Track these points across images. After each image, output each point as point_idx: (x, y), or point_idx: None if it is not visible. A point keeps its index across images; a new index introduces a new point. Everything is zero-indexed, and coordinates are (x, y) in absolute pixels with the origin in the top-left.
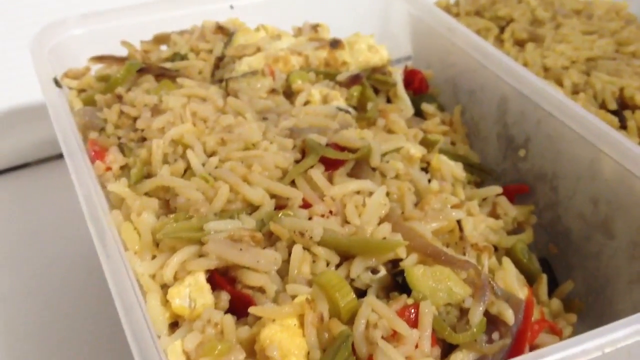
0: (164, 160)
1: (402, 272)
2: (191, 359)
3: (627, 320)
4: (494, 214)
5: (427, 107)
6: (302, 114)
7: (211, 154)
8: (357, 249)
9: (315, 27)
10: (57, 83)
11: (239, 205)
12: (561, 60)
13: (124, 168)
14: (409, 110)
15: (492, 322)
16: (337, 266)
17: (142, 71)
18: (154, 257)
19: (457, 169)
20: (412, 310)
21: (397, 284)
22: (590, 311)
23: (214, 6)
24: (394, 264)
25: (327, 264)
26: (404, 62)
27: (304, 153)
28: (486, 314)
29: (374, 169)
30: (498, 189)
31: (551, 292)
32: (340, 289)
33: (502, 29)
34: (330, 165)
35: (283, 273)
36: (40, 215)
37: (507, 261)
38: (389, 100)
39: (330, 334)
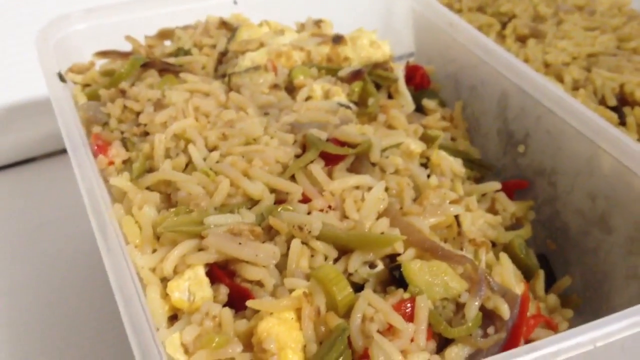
0: (166, 154)
1: (399, 266)
2: (189, 351)
3: (618, 314)
4: (492, 210)
5: (428, 102)
6: (304, 109)
7: (213, 149)
8: (355, 243)
9: (318, 23)
10: (62, 78)
11: (239, 200)
12: (562, 56)
13: (127, 162)
14: (410, 105)
15: (488, 316)
16: (336, 260)
17: (146, 66)
18: (154, 250)
19: (456, 165)
20: (409, 305)
21: (394, 278)
22: (587, 306)
23: (218, 1)
24: (392, 259)
25: (326, 258)
26: (406, 59)
27: (304, 148)
28: (482, 308)
29: (373, 164)
30: (497, 185)
31: (549, 288)
32: (337, 282)
33: (504, 25)
34: (331, 160)
35: (282, 267)
36: (45, 209)
37: (504, 256)
38: (390, 96)
39: (326, 328)
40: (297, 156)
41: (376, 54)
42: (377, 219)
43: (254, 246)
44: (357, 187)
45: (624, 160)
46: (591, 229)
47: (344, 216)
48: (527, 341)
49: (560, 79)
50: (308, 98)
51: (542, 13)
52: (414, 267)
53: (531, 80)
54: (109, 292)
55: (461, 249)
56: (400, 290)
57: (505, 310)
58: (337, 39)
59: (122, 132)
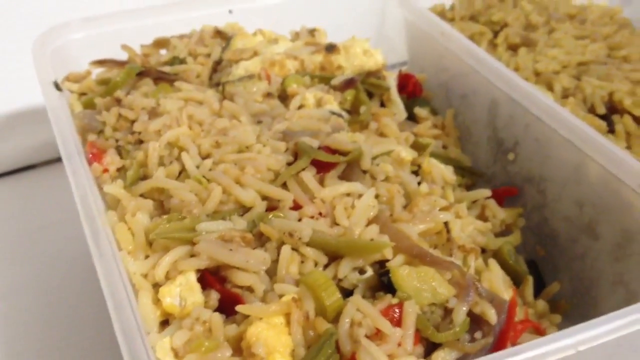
0: (159, 162)
1: (387, 272)
2: (179, 355)
3: (601, 319)
4: (482, 216)
5: (419, 110)
6: (296, 117)
7: (206, 156)
8: (344, 249)
9: (312, 32)
10: (57, 86)
11: (231, 207)
12: (552, 64)
13: (121, 170)
14: (402, 114)
15: (476, 321)
16: (326, 266)
17: (141, 75)
18: (147, 256)
19: (447, 172)
20: (397, 310)
21: (383, 284)
22: (576, 312)
23: (213, 10)
24: (382, 265)
25: (316, 264)
26: (400, 68)
27: (296, 156)
28: (470, 313)
29: (364, 172)
30: (487, 192)
31: (538, 293)
32: (326, 288)
33: (496, 34)
34: (322, 167)
35: (272, 273)
36: (44, 213)
37: (493, 263)
38: (382, 104)
39: (315, 332)
40: (289, 164)
41: (369, 62)
42: (367, 225)
43: (245, 252)
44: (348, 195)
45: (611, 168)
46: (579, 235)
47: (335, 223)
48: (515, 346)
49: (550, 87)
50: (301, 106)
51: (533, 22)
52: (402, 273)
53: (520, 89)
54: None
55: (450, 255)
56: (389, 296)
57: (492, 316)
58: (331, 48)
59: (116, 140)
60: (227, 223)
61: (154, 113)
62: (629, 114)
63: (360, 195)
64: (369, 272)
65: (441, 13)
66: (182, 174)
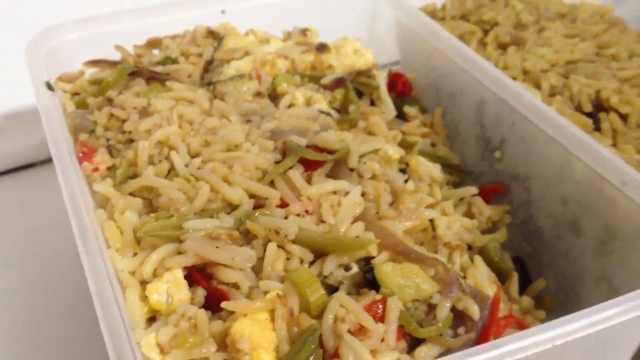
0: (149, 161)
1: (372, 269)
2: (164, 351)
3: (577, 314)
4: (469, 214)
5: (409, 109)
6: (285, 116)
7: (195, 155)
8: (330, 246)
9: (304, 32)
10: (50, 87)
11: (218, 205)
12: (541, 63)
13: (111, 169)
14: (391, 112)
15: (459, 317)
16: (311, 263)
17: (133, 75)
18: (135, 254)
19: (434, 170)
20: (380, 306)
21: (368, 280)
22: (561, 308)
23: (206, 11)
24: (367, 262)
25: (301, 261)
26: (393, 67)
27: (284, 154)
28: (453, 309)
29: (352, 170)
30: (474, 190)
31: (525, 290)
32: (310, 284)
33: (486, 33)
34: (310, 166)
35: (258, 270)
36: (43, 212)
37: (478, 259)
38: (372, 103)
39: (299, 328)
40: (277, 162)
41: (359, 62)
42: (353, 223)
43: (231, 250)
44: (335, 192)
45: (595, 166)
46: (563, 232)
47: (321, 220)
48: None
49: (538, 85)
50: (290, 105)
51: (524, 21)
52: (386, 270)
53: (507, 88)
54: None
55: (436, 252)
56: (373, 292)
57: (475, 311)
58: (321, 47)
59: (107, 140)
60: (214, 221)
61: (144, 112)
62: (616, 111)
63: (346, 193)
64: (354, 268)
65: (432, 12)
66: (171, 172)
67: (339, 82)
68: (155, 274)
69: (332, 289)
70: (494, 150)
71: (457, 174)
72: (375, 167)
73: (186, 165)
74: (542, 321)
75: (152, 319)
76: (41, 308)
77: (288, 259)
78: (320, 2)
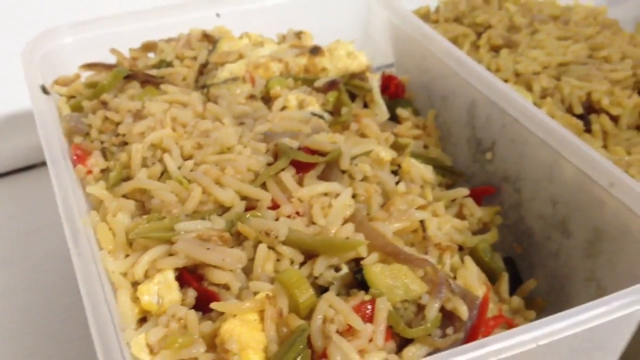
0: (142, 163)
1: (361, 269)
2: (154, 351)
3: (560, 314)
4: (460, 215)
5: (401, 111)
6: (277, 118)
7: (188, 158)
8: (320, 248)
9: (298, 34)
10: (45, 90)
11: (210, 207)
12: (533, 65)
13: (105, 171)
14: (384, 114)
15: (448, 317)
16: (302, 264)
17: (128, 78)
18: (127, 256)
19: (426, 172)
20: (369, 306)
21: (357, 281)
22: (551, 308)
23: (201, 14)
24: (357, 263)
25: (292, 262)
26: (387, 69)
27: (276, 156)
28: (442, 309)
29: (343, 172)
30: (465, 191)
31: (516, 290)
32: (300, 285)
33: (479, 35)
34: (301, 168)
35: (249, 271)
36: (43, 214)
37: (468, 260)
38: (366, 105)
39: (288, 329)
40: (270, 164)
41: (353, 64)
42: (343, 224)
43: (221, 251)
44: (326, 194)
45: (584, 168)
46: (553, 233)
47: (312, 222)
48: None
49: (529, 87)
50: (283, 108)
51: (517, 23)
52: (375, 270)
53: (497, 90)
54: None
55: (426, 253)
56: (362, 293)
57: (464, 312)
58: (315, 50)
59: (102, 142)
60: (205, 222)
61: (138, 115)
62: (607, 113)
63: (337, 195)
64: (344, 269)
65: (426, 15)
66: (164, 175)
67: (331, 85)
68: (147, 275)
69: (322, 290)
70: (485, 152)
71: (449, 176)
72: (366, 169)
73: (179, 168)
74: (532, 322)
75: (143, 320)
76: (39, 308)
77: (278, 260)
78: (315, 5)
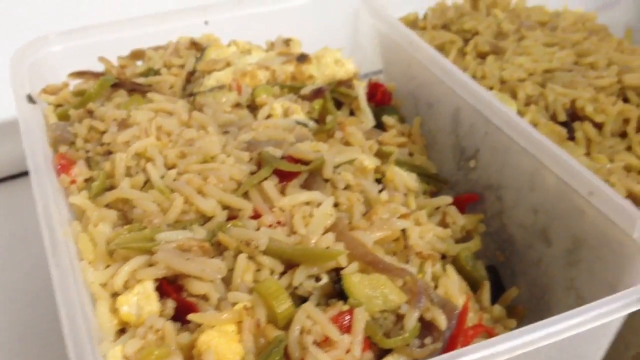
0: (126, 173)
1: (341, 279)
2: None
3: (535, 325)
4: (443, 223)
5: (387, 119)
6: (262, 127)
7: (172, 167)
8: (300, 257)
9: (287, 42)
10: (31, 99)
11: (192, 216)
12: (518, 72)
13: (89, 181)
14: (370, 122)
15: (427, 327)
16: (282, 274)
17: (116, 86)
18: (108, 266)
19: (410, 180)
20: (347, 317)
21: (337, 291)
22: (533, 317)
23: (190, 22)
24: (337, 272)
25: (272, 272)
26: (375, 76)
27: (260, 165)
28: (421, 319)
29: (326, 181)
30: (448, 199)
31: (498, 299)
32: (277, 296)
33: (467, 42)
34: (284, 177)
35: (230, 281)
36: (34, 221)
37: (450, 269)
38: (352, 113)
39: (266, 340)
40: (253, 173)
41: (340, 72)
42: (324, 233)
43: (201, 261)
44: (308, 203)
45: (564, 176)
46: (534, 241)
47: (293, 231)
48: None
49: (514, 95)
50: (269, 116)
51: (504, 30)
52: (354, 280)
53: (480, 98)
54: None
55: (407, 262)
56: (340, 303)
57: (442, 321)
58: (302, 58)
59: (87, 152)
60: (186, 232)
61: (124, 124)
62: (590, 120)
63: (319, 204)
64: (324, 279)
65: (414, 22)
66: (147, 184)
67: (317, 93)
68: (127, 286)
69: (302, 300)
70: (468, 159)
71: (434, 183)
72: (348, 177)
73: (162, 177)
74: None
75: (122, 331)
76: (25, 316)
77: (259, 270)
78: (303, 12)
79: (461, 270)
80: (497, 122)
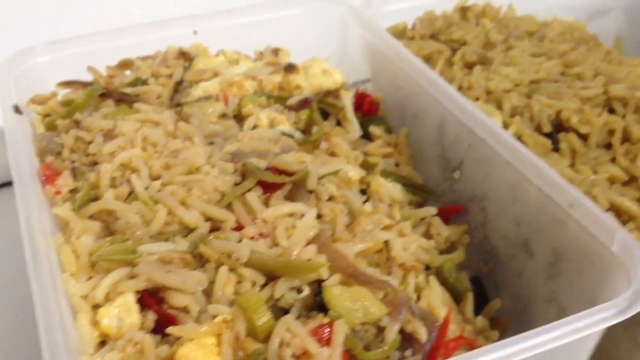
0: (111, 184)
1: (322, 291)
2: None
3: (517, 337)
4: (427, 234)
5: (374, 129)
6: (247, 138)
7: (156, 178)
8: (281, 269)
9: (275, 51)
10: (18, 110)
11: (175, 228)
12: (504, 83)
13: (74, 192)
14: (356, 132)
15: (407, 339)
16: (264, 286)
17: (103, 96)
18: (90, 278)
19: (394, 191)
20: (327, 329)
21: (318, 303)
22: (515, 329)
23: (179, 31)
24: (320, 284)
25: (253, 284)
26: (361, 85)
27: (244, 176)
28: (402, 332)
29: (311, 192)
30: (433, 210)
31: (482, 310)
32: (257, 309)
33: (455, 52)
34: (269, 188)
35: (211, 293)
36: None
37: (433, 280)
38: (339, 123)
39: (245, 353)
40: (237, 184)
41: (327, 82)
42: (306, 245)
43: (182, 274)
44: (291, 215)
45: (545, 189)
46: (516, 253)
47: (275, 243)
48: None
49: (500, 105)
50: (255, 127)
51: (492, 40)
52: (334, 293)
53: (464, 109)
54: None
55: (390, 274)
56: (320, 315)
57: (422, 333)
58: (289, 68)
59: (73, 162)
60: (168, 244)
61: (109, 135)
62: (575, 131)
63: (302, 216)
64: (306, 291)
65: (403, 31)
66: (132, 195)
67: (304, 103)
68: (108, 298)
69: (284, 312)
70: (453, 170)
71: (420, 194)
72: (332, 189)
73: (146, 188)
74: (495, 342)
75: (103, 344)
76: (6, 327)
77: (240, 282)
78: (293, 22)
79: (444, 282)
80: (480, 134)
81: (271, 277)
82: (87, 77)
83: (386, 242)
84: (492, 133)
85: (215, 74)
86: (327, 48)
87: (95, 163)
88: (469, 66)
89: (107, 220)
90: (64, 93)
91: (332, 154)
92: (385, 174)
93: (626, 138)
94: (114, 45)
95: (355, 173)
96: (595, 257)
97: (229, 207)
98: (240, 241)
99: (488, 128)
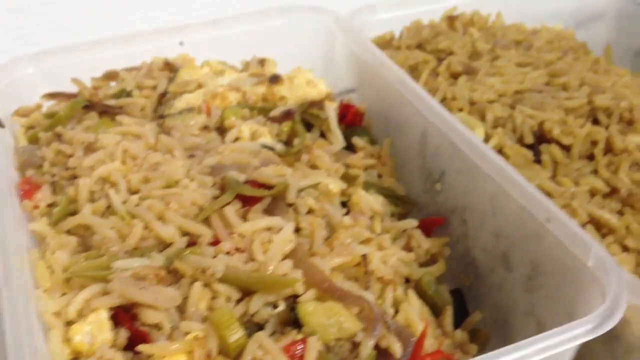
0: (90, 198)
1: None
2: None
3: (491, 354)
4: (408, 247)
5: (357, 140)
6: (228, 151)
7: (135, 192)
8: (256, 285)
9: (262, 62)
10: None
11: (151, 243)
12: (488, 93)
13: (52, 206)
14: (339, 143)
15: (382, 355)
16: (239, 301)
17: (87, 108)
18: (64, 294)
19: (376, 203)
20: (300, 346)
21: (293, 319)
22: (496, 342)
23: (166, 42)
24: (295, 299)
25: (228, 300)
26: (346, 95)
27: (223, 190)
28: (377, 347)
29: (290, 205)
30: (414, 222)
31: (462, 323)
32: (229, 325)
33: (441, 62)
34: (247, 202)
35: (185, 310)
36: None
37: (411, 294)
38: (323, 134)
39: None
40: (216, 198)
41: (312, 92)
42: (282, 260)
43: (155, 290)
44: (269, 229)
45: (523, 202)
46: (496, 266)
47: (252, 258)
48: None
49: (483, 117)
50: (237, 139)
51: (479, 49)
52: (309, 309)
53: (445, 121)
54: None
55: (367, 288)
56: (294, 332)
57: (397, 349)
58: (274, 79)
59: (52, 176)
60: (143, 260)
61: (90, 148)
62: (558, 143)
63: (280, 230)
64: (281, 306)
65: (389, 41)
66: (110, 209)
67: (287, 115)
68: (82, 315)
69: (259, 327)
70: (435, 182)
71: (402, 205)
72: (311, 202)
73: (124, 202)
74: (474, 356)
75: None
76: None
77: (214, 297)
78: (279, 32)
79: (423, 295)
80: (460, 146)
81: (246, 293)
82: (74, 89)
83: (364, 256)
84: (472, 145)
85: (200, 86)
86: (314, 57)
87: (75, 177)
88: (455, 76)
89: (84, 235)
90: (49, 105)
91: (313, 166)
92: (368, 185)
93: (609, 149)
94: (101, 56)
95: (335, 186)
96: (571, 272)
97: (206, 221)
98: (215, 256)
99: (468, 140)
